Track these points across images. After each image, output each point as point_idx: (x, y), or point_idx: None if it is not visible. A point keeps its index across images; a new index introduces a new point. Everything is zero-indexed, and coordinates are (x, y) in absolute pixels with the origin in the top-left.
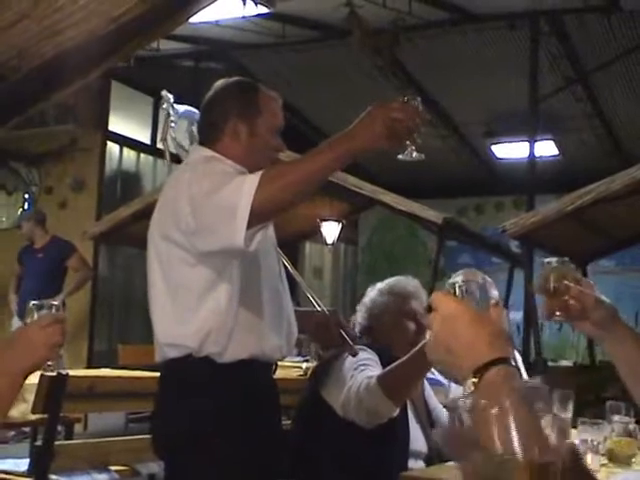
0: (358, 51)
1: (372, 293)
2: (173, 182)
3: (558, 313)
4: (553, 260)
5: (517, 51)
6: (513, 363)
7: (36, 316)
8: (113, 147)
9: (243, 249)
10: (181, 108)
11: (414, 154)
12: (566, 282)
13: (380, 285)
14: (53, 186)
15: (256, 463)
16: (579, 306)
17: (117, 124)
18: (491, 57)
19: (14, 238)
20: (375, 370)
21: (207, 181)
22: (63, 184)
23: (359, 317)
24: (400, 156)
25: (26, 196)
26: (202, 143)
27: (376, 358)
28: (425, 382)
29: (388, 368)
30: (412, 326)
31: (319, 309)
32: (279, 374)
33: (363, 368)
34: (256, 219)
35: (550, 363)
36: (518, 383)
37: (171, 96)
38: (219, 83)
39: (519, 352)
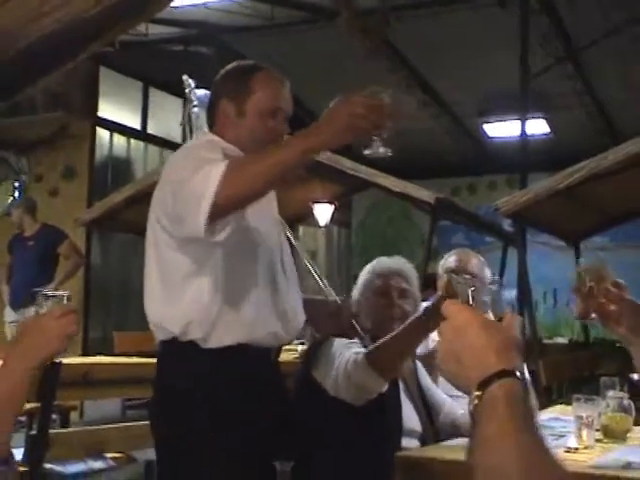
0: (346, 32)
1: (361, 273)
2: (167, 164)
3: (593, 315)
4: (589, 260)
5: (507, 30)
6: (519, 374)
7: (46, 306)
8: (103, 133)
9: (208, 239)
10: (200, 93)
11: (380, 149)
12: (606, 285)
13: (368, 265)
14: (43, 174)
15: (245, 450)
16: (617, 310)
17: (107, 110)
18: (481, 36)
19: (4, 226)
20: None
21: (185, 168)
22: (53, 172)
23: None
24: (366, 152)
25: (16, 184)
26: (209, 127)
27: (366, 337)
28: (417, 362)
29: (376, 343)
30: (381, 302)
31: (331, 298)
32: None
33: (351, 346)
34: (220, 210)
35: (545, 341)
36: (520, 400)
37: (192, 81)
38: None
39: None
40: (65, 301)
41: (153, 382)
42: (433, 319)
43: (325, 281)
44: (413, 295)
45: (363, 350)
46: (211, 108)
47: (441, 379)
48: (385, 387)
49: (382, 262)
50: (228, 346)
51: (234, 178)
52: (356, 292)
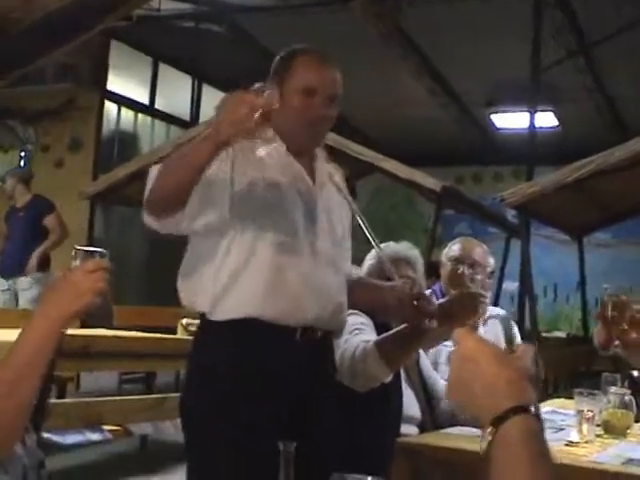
0: (360, 17)
1: (366, 257)
2: None
3: (617, 342)
4: (614, 287)
5: (520, 21)
6: (533, 409)
7: (79, 262)
8: (111, 107)
9: (172, 232)
10: None
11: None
12: (632, 314)
13: (372, 251)
14: (49, 145)
15: (245, 423)
16: None
17: (116, 84)
18: (494, 26)
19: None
20: (370, 335)
21: None
22: (60, 143)
23: None
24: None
25: (22, 154)
26: None
27: (370, 323)
28: (420, 350)
29: (386, 334)
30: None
31: (398, 282)
32: None
33: (357, 332)
34: (153, 207)
35: (544, 334)
36: (535, 437)
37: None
38: None
39: (514, 322)
40: (98, 257)
41: None
42: (445, 317)
43: (394, 271)
44: (420, 283)
45: (371, 338)
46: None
47: (443, 366)
48: (390, 377)
49: (389, 248)
50: (233, 319)
51: (157, 180)
52: (363, 275)
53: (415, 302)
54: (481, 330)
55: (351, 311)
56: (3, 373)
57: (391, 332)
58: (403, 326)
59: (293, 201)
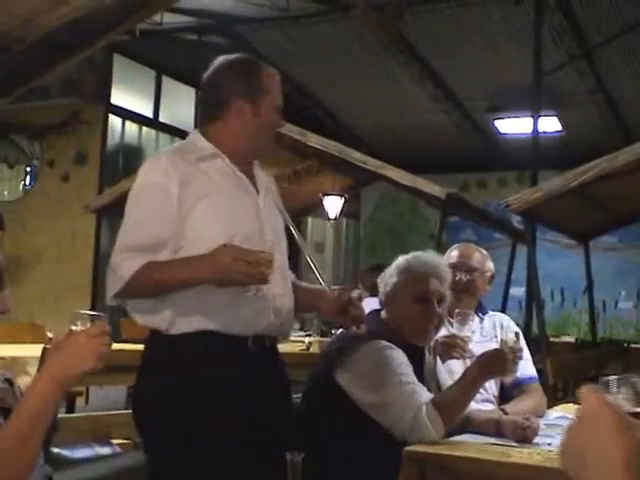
0: (361, 25)
1: (392, 266)
2: (140, 171)
3: None
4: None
5: (521, 26)
6: None
7: (80, 324)
8: (115, 120)
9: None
10: None
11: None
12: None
13: (400, 259)
14: (55, 159)
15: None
16: None
17: (119, 97)
18: (495, 32)
19: (16, 211)
20: (413, 377)
21: (132, 208)
22: (65, 157)
23: (380, 289)
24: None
25: (28, 169)
26: (200, 121)
27: (402, 355)
28: (437, 359)
29: (444, 398)
30: (421, 310)
31: (325, 287)
32: (282, 348)
33: (405, 381)
34: (123, 294)
35: (552, 339)
36: None
37: None
38: (221, 61)
39: (521, 328)
40: (101, 321)
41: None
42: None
43: (323, 276)
44: (447, 297)
45: (424, 395)
46: (214, 105)
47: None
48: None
49: (419, 261)
50: (188, 333)
51: (140, 281)
52: (387, 289)
53: (344, 308)
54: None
55: (387, 344)
56: (8, 431)
57: (449, 392)
58: (459, 383)
59: (244, 214)
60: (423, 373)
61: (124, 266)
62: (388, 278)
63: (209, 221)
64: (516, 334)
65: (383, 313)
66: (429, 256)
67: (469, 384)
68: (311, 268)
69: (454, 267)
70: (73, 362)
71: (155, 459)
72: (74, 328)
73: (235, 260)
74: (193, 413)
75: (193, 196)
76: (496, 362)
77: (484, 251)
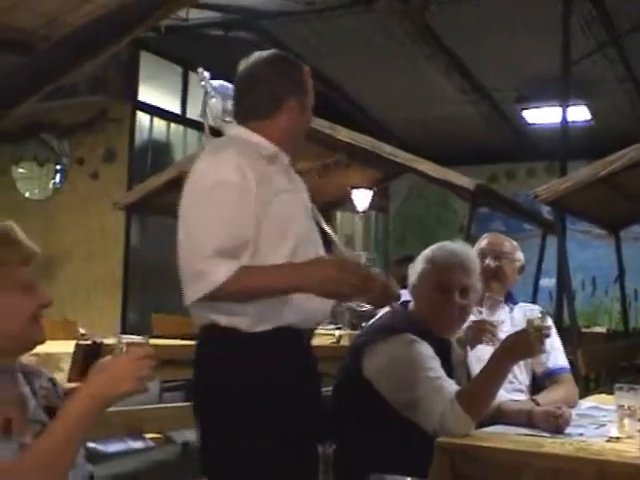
0: (386, 17)
1: (419, 257)
2: (192, 171)
3: None
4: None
5: (549, 14)
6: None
7: (125, 349)
8: (143, 117)
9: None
10: (216, 83)
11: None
12: None
13: (427, 250)
14: (84, 157)
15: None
16: None
17: (147, 94)
18: (522, 20)
19: (46, 209)
20: (441, 371)
21: (201, 204)
22: (94, 155)
23: (408, 281)
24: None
25: (57, 167)
26: (243, 119)
27: (429, 349)
28: (468, 348)
29: (468, 390)
30: (441, 300)
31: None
32: (313, 341)
33: (433, 376)
34: (213, 298)
35: (583, 329)
36: None
37: (207, 73)
38: (262, 58)
39: (552, 319)
40: (143, 345)
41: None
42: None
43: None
44: (474, 289)
45: (452, 389)
46: (263, 103)
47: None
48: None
49: (443, 251)
50: (266, 330)
51: (235, 286)
52: (412, 278)
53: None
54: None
55: (414, 338)
56: (42, 446)
57: (473, 386)
58: (482, 375)
59: (303, 214)
60: (451, 366)
61: (218, 272)
62: (415, 268)
63: (284, 220)
64: (541, 312)
65: (411, 305)
66: (456, 246)
67: (495, 371)
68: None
69: (483, 253)
70: (113, 383)
71: (212, 455)
72: (118, 351)
73: (346, 273)
74: (255, 409)
75: (268, 194)
76: (521, 344)
77: (514, 242)
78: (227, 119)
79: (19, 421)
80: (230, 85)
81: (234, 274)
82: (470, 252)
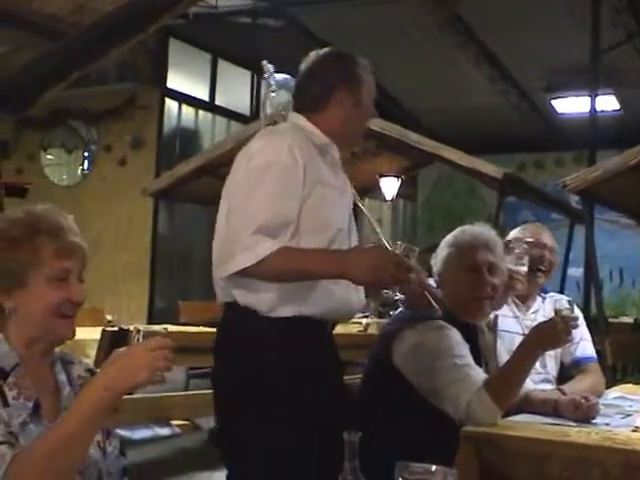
0: (417, 6)
1: (441, 244)
2: (250, 147)
3: None
4: None
5: (579, 4)
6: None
7: (142, 339)
8: (171, 104)
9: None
10: (279, 77)
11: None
12: None
13: (448, 235)
14: (112, 144)
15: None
16: None
17: (175, 81)
18: (552, 11)
19: (74, 195)
20: (469, 358)
21: (254, 184)
22: (122, 142)
23: (433, 269)
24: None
25: (85, 154)
26: (300, 111)
27: (458, 335)
28: (498, 333)
29: (496, 379)
30: (473, 279)
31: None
32: (340, 329)
33: (461, 363)
34: (246, 274)
35: (611, 319)
36: None
37: (271, 66)
38: (316, 55)
39: (579, 309)
40: (161, 336)
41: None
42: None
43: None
44: (501, 268)
45: (480, 376)
46: (315, 95)
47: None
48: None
49: (466, 233)
50: (287, 317)
51: (275, 264)
52: (438, 266)
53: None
54: (539, 304)
55: (443, 324)
56: (54, 433)
57: (500, 373)
58: (510, 362)
59: (344, 209)
60: (480, 352)
61: (260, 246)
62: (438, 256)
63: (325, 208)
64: (569, 302)
65: (437, 293)
66: (476, 228)
67: (522, 360)
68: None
69: (533, 245)
70: (127, 373)
71: (233, 439)
72: (135, 342)
73: (388, 263)
74: (274, 394)
75: (314, 181)
76: (548, 333)
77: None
78: (283, 113)
79: (51, 408)
80: (292, 79)
81: (276, 252)
82: (492, 232)
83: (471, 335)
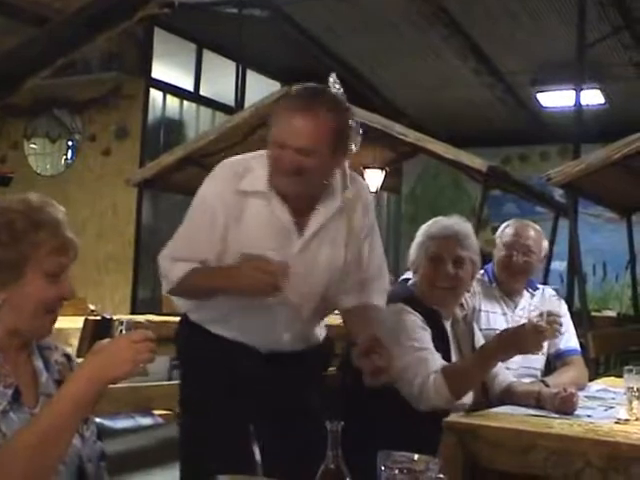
0: None
1: (418, 232)
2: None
3: None
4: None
5: None
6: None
7: (124, 331)
8: (156, 94)
9: None
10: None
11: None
12: None
13: (423, 225)
14: (96, 133)
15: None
16: None
17: (160, 72)
18: (538, 4)
19: (58, 185)
20: (428, 343)
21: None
22: (106, 131)
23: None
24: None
25: (69, 143)
26: None
27: (418, 319)
28: (475, 328)
29: (455, 368)
30: (435, 269)
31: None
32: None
33: (419, 346)
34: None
35: (594, 313)
36: None
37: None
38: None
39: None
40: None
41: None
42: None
43: None
44: (470, 261)
45: (438, 363)
46: None
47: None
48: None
49: (438, 224)
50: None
51: (181, 288)
52: (412, 253)
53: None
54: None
55: (404, 308)
56: (36, 426)
57: (460, 366)
58: (473, 359)
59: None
60: (446, 338)
61: (172, 271)
62: (413, 244)
63: (244, 247)
64: (556, 290)
65: (412, 279)
66: (449, 220)
67: (485, 358)
68: None
69: (510, 246)
70: (111, 365)
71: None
72: (117, 333)
73: (253, 268)
74: (207, 387)
75: (235, 221)
76: (514, 341)
77: (538, 227)
78: None
79: (30, 394)
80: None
81: (184, 274)
82: (466, 226)
83: (435, 321)
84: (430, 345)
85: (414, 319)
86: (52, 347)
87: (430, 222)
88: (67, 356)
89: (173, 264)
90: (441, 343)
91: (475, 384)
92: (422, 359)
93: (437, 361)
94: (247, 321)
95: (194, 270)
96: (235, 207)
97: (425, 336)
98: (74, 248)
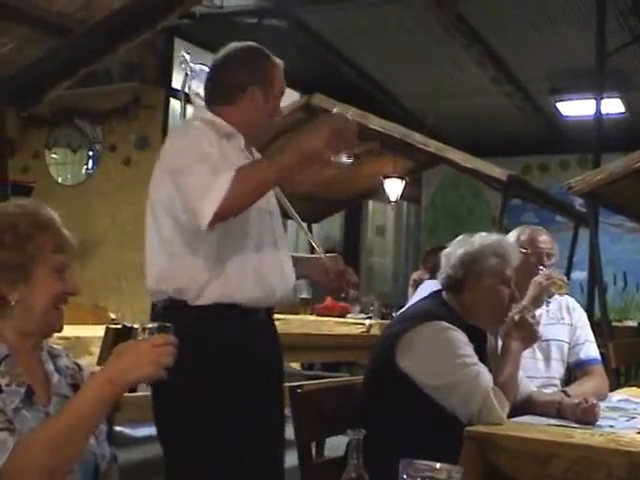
0: (421, 6)
1: (469, 247)
2: (167, 143)
3: None
4: None
5: (584, 6)
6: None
7: (147, 335)
8: (176, 104)
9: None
10: (196, 67)
11: (344, 159)
12: None
13: (479, 241)
14: (117, 143)
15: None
16: None
17: (180, 81)
18: (557, 12)
19: (79, 195)
20: (475, 357)
21: (185, 157)
22: (127, 141)
23: (445, 267)
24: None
25: (90, 153)
26: (210, 102)
27: (463, 335)
28: (499, 338)
29: (502, 379)
30: (508, 294)
31: (322, 256)
32: (343, 330)
33: (470, 362)
34: (219, 219)
35: (615, 323)
36: None
37: (188, 56)
38: (234, 48)
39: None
40: (168, 332)
41: None
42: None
43: (318, 246)
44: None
45: (488, 379)
46: (226, 89)
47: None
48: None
49: (504, 244)
50: (213, 304)
51: (236, 194)
52: (472, 267)
53: (340, 275)
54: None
55: (448, 325)
56: (55, 424)
57: (503, 380)
58: (509, 362)
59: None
60: (486, 356)
61: (215, 187)
62: (470, 257)
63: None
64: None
65: (445, 294)
66: (507, 241)
67: (514, 357)
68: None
69: (522, 248)
70: (132, 367)
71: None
72: (140, 337)
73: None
74: (209, 383)
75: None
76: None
77: (549, 233)
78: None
79: (42, 393)
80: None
81: (232, 178)
82: (514, 245)
83: (478, 338)
84: (478, 360)
85: (459, 335)
86: (62, 355)
87: (493, 241)
88: (77, 364)
89: (208, 192)
90: (481, 359)
91: (515, 391)
92: (475, 374)
93: (488, 375)
94: (262, 263)
95: (241, 169)
96: (223, 146)
97: (472, 351)
98: (73, 246)
